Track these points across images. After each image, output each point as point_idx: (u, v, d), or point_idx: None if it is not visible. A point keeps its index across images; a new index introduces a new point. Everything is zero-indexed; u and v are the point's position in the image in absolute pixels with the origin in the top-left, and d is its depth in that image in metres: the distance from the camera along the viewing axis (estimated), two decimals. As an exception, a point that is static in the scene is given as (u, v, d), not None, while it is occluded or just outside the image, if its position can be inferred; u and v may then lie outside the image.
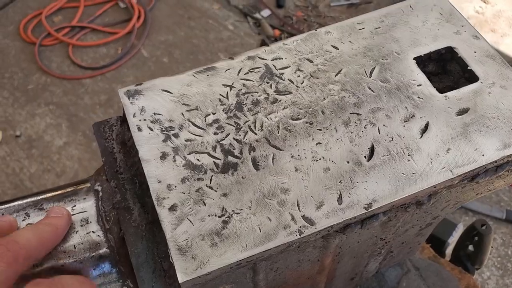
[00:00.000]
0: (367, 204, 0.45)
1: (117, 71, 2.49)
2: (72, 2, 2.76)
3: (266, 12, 2.81)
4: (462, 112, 0.51)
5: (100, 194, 0.51)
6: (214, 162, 0.48)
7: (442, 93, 0.52)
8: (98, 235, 0.49)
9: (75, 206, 0.51)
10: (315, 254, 0.52)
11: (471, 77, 0.54)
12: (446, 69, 0.57)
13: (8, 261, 0.42)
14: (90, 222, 0.50)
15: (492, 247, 1.92)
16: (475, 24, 2.91)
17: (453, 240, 1.01)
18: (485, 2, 3.05)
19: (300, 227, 0.44)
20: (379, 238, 0.56)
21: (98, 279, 0.50)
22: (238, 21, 2.74)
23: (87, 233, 0.49)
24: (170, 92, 0.53)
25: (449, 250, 1.03)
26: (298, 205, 0.45)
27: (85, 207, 0.50)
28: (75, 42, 2.57)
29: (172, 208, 0.45)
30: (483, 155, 0.48)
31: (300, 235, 0.44)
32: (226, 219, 0.45)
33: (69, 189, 0.52)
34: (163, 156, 0.48)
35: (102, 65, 2.49)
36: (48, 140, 2.20)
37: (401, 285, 0.85)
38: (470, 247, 0.96)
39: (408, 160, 0.48)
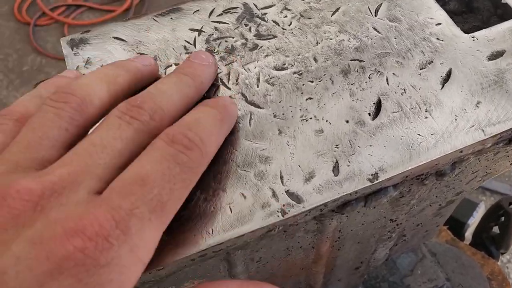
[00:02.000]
0: (372, 175, 0.34)
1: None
2: (67, -20, 2.65)
3: None
4: (496, 55, 0.39)
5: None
6: (174, 124, 0.37)
7: (468, 34, 0.41)
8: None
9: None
10: (307, 240, 0.42)
11: (506, 14, 0.43)
12: (472, 6, 0.45)
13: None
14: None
15: None
16: None
17: (473, 221, 0.90)
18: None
19: (283, 205, 0.33)
20: (388, 219, 0.45)
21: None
22: None
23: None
24: (124, 40, 0.42)
25: (469, 233, 0.92)
26: (281, 177, 0.35)
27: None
28: (70, 21, 2.47)
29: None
30: (524, 109, 0.37)
31: (283, 215, 0.33)
32: (188, 197, 0.34)
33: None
34: (108, 117, 0.37)
35: (100, 44, 2.39)
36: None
37: (416, 273, 0.74)
38: (495, 229, 0.84)
39: (426, 118, 0.37)
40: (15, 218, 0.25)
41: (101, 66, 0.41)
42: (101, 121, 0.31)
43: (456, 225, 0.90)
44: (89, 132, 0.32)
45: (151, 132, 0.31)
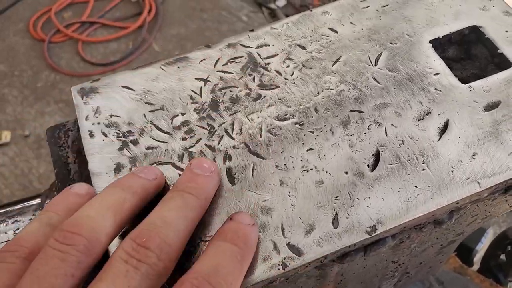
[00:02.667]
0: (370, 227, 0.35)
1: (128, 67, 2.41)
2: (81, -3, 2.69)
3: (281, 2, 2.70)
4: (492, 106, 0.40)
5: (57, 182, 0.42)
6: (179, 175, 0.39)
7: (465, 83, 0.42)
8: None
9: (18, 229, 0.42)
10: (310, 284, 0.43)
11: (502, 63, 0.43)
12: (471, 53, 0.46)
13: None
14: (35, 248, 0.41)
15: None
16: None
17: (482, 247, 0.90)
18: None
19: (284, 258, 0.35)
20: (390, 261, 0.46)
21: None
22: (252, 12, 2.64)
23: (28, 263, 0.40)
24: (132, 89, 0.44)
25: (477, 258, 0.92)
26: (282, 229, 0.36)
27: (29, 231, 0.42)
28: (84, 38, 2.51)
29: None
30: (519, 162, 0.38)
31: (283, 269, 0.34)
32: (192, 249, 0.35)
33: (14, 207, 0.44)
34: (118, 168, 0.39)
35: (113, 60, 2.42)
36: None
37: (423, 302, 0.75)
38: (502, 257, 0.85)
39: (423, 169, 0.38)
40: None
41: (110, 115, 0.42)
42: (106, 263, 0.30)
43: (464, 251, 0.90)
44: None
45: (160, 274, 0.30)
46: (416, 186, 0.37)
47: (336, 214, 0.36)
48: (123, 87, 0.44)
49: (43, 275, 0.28)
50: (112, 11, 2.65)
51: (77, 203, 0.34)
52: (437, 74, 0.42)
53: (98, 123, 0.42)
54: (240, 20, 2.56)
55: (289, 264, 0.34)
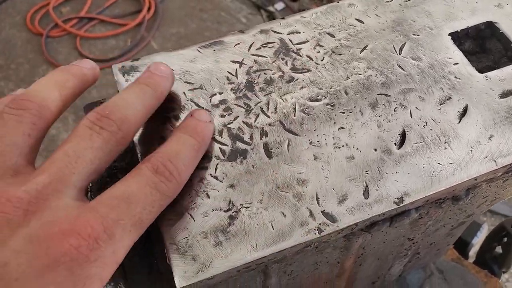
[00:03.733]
0: (398, 199, 0.39)
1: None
2: (80, -7, 2.71)
3: (280, 5, 2.74)
4: (506, 94, 0.44)
5: (90, 185, 0.45)
6: (220, 148, 0.42)
7: (482, 73, 0.45)
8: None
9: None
10: (335, 256, 0.46)
11: (516, 56, 0.47)
12: (485, 47, 0.50)
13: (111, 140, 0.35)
14: (79, 215, 0.43)
15: None
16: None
17: (477, 241, 0.94)
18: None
19: (320, 224, 0.38)
20: (406, 238, 0.49)
21: (87, 280, 0.43)
22: (251, 14, 2.68)
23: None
24: (171, 69, 0.47)
25: (472, 252, 0.96)
26: (317, 198, 0.39)
27: (73, 198, 0.44)
28: (83, 33, 2.52)
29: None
30: (532, 143, 0.41)
31: (319, 233, 0.37)
32: (233, 214, 0.38)
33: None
34: (162, 139, 0.42)
35: (111, 57, 2.44)
36: (54, 133, 2.15)
37: (424, 289, 0.78)
38: (498, 249, 0.89)
39: (445, 148, 0.41)
40: (8, 221, 0.30)
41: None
42: (73, 130, 0.34)
43: (461, 244, 0.94)
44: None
45: (119, 142, 0.35)
46: (439, 163, 0.40)
47: (367, 186, 0.39)
48: (163, 67, 0.47)
49: (4, 134, 0.33)
50: (111, 8, 2.67)
51: (22, 92, 0.38)
52: (456, 64, 0.46)
53: (141, 99, 0.44)
54: (239, 21, 2.59)
55: (324, 229, 0.37)
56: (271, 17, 2.62)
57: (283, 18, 0.50)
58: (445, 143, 0.41)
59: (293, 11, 2.66)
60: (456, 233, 0.57)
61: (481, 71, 0.46)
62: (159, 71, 0.41)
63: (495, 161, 0.40)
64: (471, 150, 0.41)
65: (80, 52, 2.44)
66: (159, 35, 2.53)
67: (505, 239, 0.85)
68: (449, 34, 0.48)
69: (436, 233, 0.53)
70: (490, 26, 0.49)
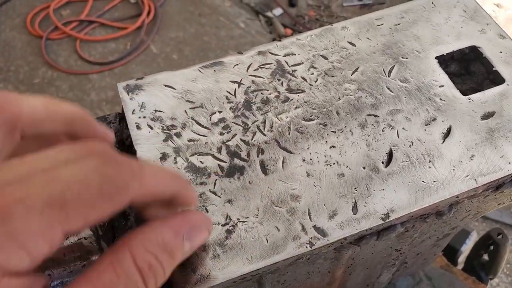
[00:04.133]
0: (384, 214, 0.42)
1: (125, 67, 2.45)
2: (80, -4, 2.73)
3: (278, 11, 2.77)
4: (487, 116, 0.47)
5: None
6: (218, 164, 0.44)
7: (465, 95, 0.48)
8: (91, 242, 0.46)
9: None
10: (325, 266, 0.49)
11: (497, 79, 0.50)
12: (470, 70, 0.53)
13: None
14: (85, 226, 0.46)
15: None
16: (489, 26, 2.86)
17: (466, 248, 0.97)
18: (498, 6, 2.99)
19: (311, 238, 0.41)
20: (394, 249, 0.52)
21: (92, 288, 0.46)
22: (249, 19, 2.70)
23: (78, 239, 0.45)
24: (173, 88, 0.49)
25: (461, 259, 0.99)
26: (309, 213, 0.42)
27: (80, 210, 0.47)
28: (83, 36, 2.54)
29: (173, 214, 0.42)
30: (509, 163, 0.44)
31: (311, 247, 0.40)
32: (230, 228, 0.41)
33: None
34: (163, 157, 0.45)
35: (110, 60, 2.46)
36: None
37: (413, 295, 0.81)
38: (485, 256, 0.92)
39: (429, 167, 0.44)
40: None
41: (155, 110, 0.48)
42: None
43: (450, 251, 0.97)
44: None
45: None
46: (423, 181, 0.43)
47: (356, 202, 0.42)
48: (166, 85, 0.50)
49: None
50: (111, 11, 2.69)
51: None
52: (442, 86, 0.49)
53: (144, 117, 0.47)
54: (237, 26, 2.62)
55: (315, 243, 0.40)
56: (269, 22, 2.65)
57: (279, 40, 0.53)
58: (429, 162, 0.44)
59: (291, 16, 2.69)
60: (442, 243, 0.60)
61: (465, 92, 0.49)
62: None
63: (475, 180, 0.43)
64: (454, 169, 0.44)
65: (80, 55, 2.46)
66: (159, 39, 2.55)
67: (492, 247, 0.88)
68: (436, 58, 0.51)
69: (422, 244, 0.56)
70: (474, 50, 0.52)
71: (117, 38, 2.54)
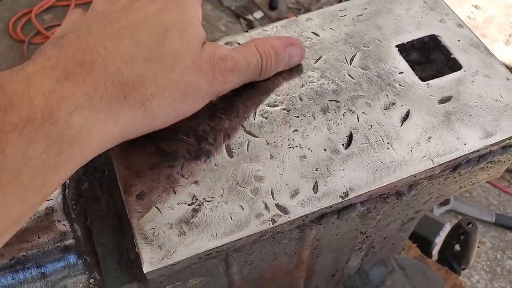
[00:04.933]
0: (343, 193, 0.43)
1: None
2: (62, 1, 2.73)
3: (258, 14, 2.80)
4: (445, 100, 0.49)
5: (67, 182, 0.49)
6: (186, 148, 0.46)
7: (424, 81, 0.51)
8: (64, 224, 0.47)
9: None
10: (291, 247, 0.50)
11: (455, 66, 0.52)
12: (430, 58, 0.55)
13: None
14: (56, 210, 0.47)
15: (478, 247, 1.91)
16: (467, 29, 2.91)
17: (440, 240, 1.00)
18: (476, 8, 3.05)
19: (274, 215, 0.42)
20: (359, 232, 0.54)
21: (64, 271, 0.47)
22: (230, 22, 2.73)
23: (52, 222, 0.47)
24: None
25: (435, 250, 1.02)
26: (272, 193, 0.43)
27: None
28: (64, 40, 2.54)
29: (140, 195, 0.43)
30: (465, 144, 0.46)
31: (273, 224, 0.42)
32: (196, 207, 0.43)
33: None
34: (132, 141, 0.46)
35: (92, 64, 2.47)
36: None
37: (386, 284, 0.83)
38: (457, 247, 0.94)
39: (388, 149, 0.46)
40: None
41: None
42: None
43: (424, 243, 0.99)
44: None
45: None
46: (381, 162, 0.45)
47: (316, 182, 0.44)
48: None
49: None
50: (93, 16, 2.70)
51: None
52: (402, 73, 0.51)
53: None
54: (218, 29, 2.64)
55: (277, 220, 0.42)
56: (250, 25, 2.68)
57: (246, 31, 0.55)
58: (388, 144, 0.46)
59: (271, 19, 2.72)
60: (408, 228, 0.62)
61: (424, 79, 0.51)
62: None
63: (432, 160, 0.45)
64: (411, 150, 0.46)
65: (62, 59, 2.47)
66: (141, 42, 2.56)
67: (462, 237, 0.90)
68: (396, 46, 0.53)
69: (388, 228, 0.58)
70: (433, 39, 0.54)
71: (100, 42, 2.55)
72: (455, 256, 0.94)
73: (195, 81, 0.41)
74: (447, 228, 1.02)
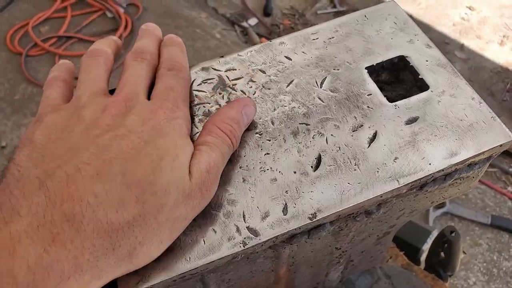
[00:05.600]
0: (311, 214, 0.45)
1: (103, 81, 2.48)
2: (59, 12, 2.76)
3: (253, 21, 2.82)
4: (411, 121, 0.51)
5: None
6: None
7: (392, 102, 0.52)
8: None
9: None
10: (267, 265, 0.52)
11: (422, 86, 0.54)
12: (400, 78, 0.57)
13: None
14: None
15: (464, 252, 1.93)
16: (461, 31, 2.93)
17: (427, 247, 1.01)
18: (470, 9, 3.07)
19: (245, 238, 0.44)
20: (334, 248, 0.56)
21: None
22: (225, 30, 2.75)
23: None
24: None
25: (424, 257, 1.03)
26: (243, 216, 0.45)
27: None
28: (62, 52, 2.57)
29: (117, 220, 0.45)
30: (430, 164, 0.48)
31: (244, 246, 0.44)
32: (171, 231, 0.44)
33: None
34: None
35: (89, 75, 2.49)
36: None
37: (372, 293, 0.85)
38: (442, 254, 0.96)
39: (355, 170, 0.48)
40: (118, 111, 0.42)
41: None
42: (124, 65, 0.49)
43: (412, 251, 1.01)
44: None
45: (150, 65, 0.49)
46: (348, 183, 0.47)
47: (286, 204, 0.46)
48: (114, 102, 0.53)
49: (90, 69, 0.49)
50: (89, 26, 2.72)
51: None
52: (370, 94, 0.53)
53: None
54: (213, 37, 2.67)
55: (248, 242, 0.44)
56: (245, 32, 2.70)
57: (222, 57, 0.57)
58: (355, 165, 0.48)
59: (266, 26, 2.74)
60: (385, 241, 0.64)
61: (394, 99, 0.53)
62: (151, 27, 0.56)
63: (397, 180, 0.47)
64: (378, 171, 0.48)
65: (59, 70, 2.49)
66: (137, 52, 2.59)
67: (446, 245, 0.92)
68: (366, 68, 0.55)
69: (363, 243, 0.60)
70: (402, 60, 0.56)
71: (96, 53, 2.57)
72: (441, 263, 0.96)
73: (184, 213, 0.41)
74: (434, 235, 1.03)
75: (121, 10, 2.73)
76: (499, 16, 3.02)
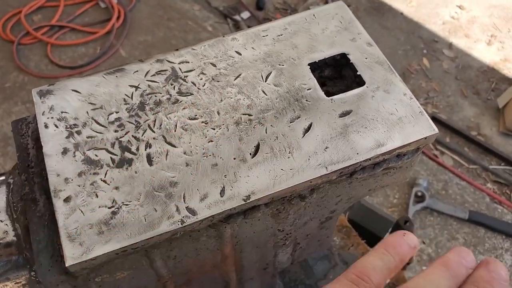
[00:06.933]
0: (246, 196, 0.50)
1: (95, 71, 2.50)
2: (52, 1, 2.79)
3: (245, 14, 2.86)
4: (345, 114, 0.55)
5: (11, 186, 0.55)
6: (111, 157, 0.52)
7: (329, 97, 0.57)
8: (6, 224, 0.53)
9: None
10: (211, 244, 0.57)
11: (360, 82, 0.58)
12: (341, 74, 0.61)
13: None
14: (0, 212, 0.54)
15: (424, 242, 1.97)
16: (450, 29, 2.97)
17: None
18: (460, 8, 3.11)
19: (183, 217, 0.49)
20: (276, 229, 0.60)
21: (6, 266, 0.54)
22: (217, 23, 2.79)
23: (-4, 221, 0.53)
24: (79, 92, 0.57)
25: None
26: (184, 197, 0.50)
27: (-4, 199, 0.55)
28: (53, 41, 2.61)
29: (67, 199, 0.49)
30: (357, 154, 0.52)
31: (182, 224, 0.48)
32: (115, 210, 0.49)
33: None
34: (64, 151, 0.52)
35: (80, 64, 2.53)
36: None
37: (328, 277, 0.89)
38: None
39: (288, 157, 0.52)
40: None
41: (61, 112, 0.55)
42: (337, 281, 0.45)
43: (374, 240, 1.05)
44: None
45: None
46: (282, 169, 0.51)
47: (224, 187, 0.50)
48: (73, 90, 0.57)
49: None
50: (82, 16, 2.76)
51: (406, 253, 0.47)
52: (309, 89, 0.57)
53: (52, 118, 0.55)
54: (205, 30, 2.70)
55: (186, 221, 0.48)
56: (237, 25, 2.74)
57: (177, 50, 0.61)
58: (289, 153, 0.53)
59: (258, 19, 2.78)
60: (329, 226, 0.68)
61: (334, 94, 0.58)
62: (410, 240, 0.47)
63: (326, 168, 0.52)
64: (309, 159, 0.52)
65: (51, 59, 2.53)
66: (128, 43, 2.62)
67: (402, 234, 0.97)
68: (309, 64, 0.59)
69: (307, 226, 0.64)
70: (344, 57, 0.61)
71: (87, 43, 2.61)
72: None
73: None
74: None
75: (114, 1, 2.77)
76: (488, 16, 3.06)
